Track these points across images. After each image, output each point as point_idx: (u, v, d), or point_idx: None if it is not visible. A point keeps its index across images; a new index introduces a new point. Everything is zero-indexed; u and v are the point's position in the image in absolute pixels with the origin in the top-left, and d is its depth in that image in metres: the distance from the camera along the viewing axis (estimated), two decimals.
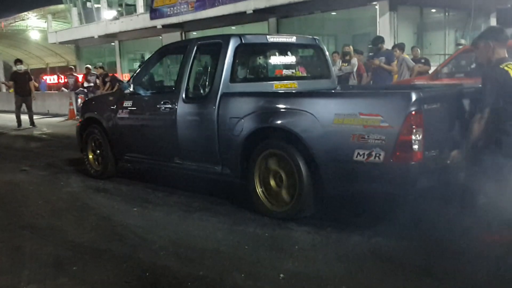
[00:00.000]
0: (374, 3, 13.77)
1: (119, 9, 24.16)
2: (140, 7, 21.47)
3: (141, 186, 6.44)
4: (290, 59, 6.07)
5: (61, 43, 27.40)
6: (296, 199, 4.63)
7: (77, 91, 18.29)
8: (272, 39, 6.05)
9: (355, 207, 4.91)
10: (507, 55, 4.09)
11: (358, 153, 4.13)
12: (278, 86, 5.82)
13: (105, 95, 8.16)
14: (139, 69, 6.84)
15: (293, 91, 5.69)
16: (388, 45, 11.51)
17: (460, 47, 11.54)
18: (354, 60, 11.22)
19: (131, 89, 6.41)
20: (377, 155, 4.03)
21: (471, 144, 4.05)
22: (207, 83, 5.63)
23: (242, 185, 5.27)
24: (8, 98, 26.53)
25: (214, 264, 3.77)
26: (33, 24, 32.36)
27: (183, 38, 20.61)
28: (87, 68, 20.10)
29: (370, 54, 10.35)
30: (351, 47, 11.49)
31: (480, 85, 4.12)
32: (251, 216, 4.89)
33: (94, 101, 7.78)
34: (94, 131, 7.01)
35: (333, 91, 6.08)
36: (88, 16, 25.96)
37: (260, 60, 6.19)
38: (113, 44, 24.88)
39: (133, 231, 4.63)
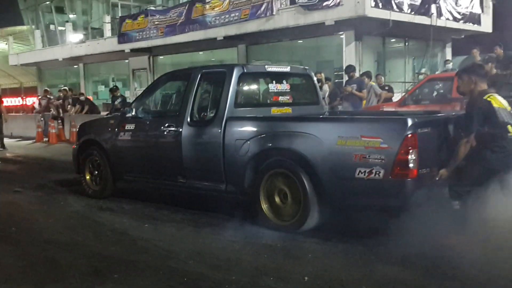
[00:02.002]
0: (341, 33, 14.65)
1: (84, 32, 24.27)
2: (108, 31, 21.69)
3: (142, 205, 6.79)
4: (285, 86, 6.62)
5: (22, 65, 27.09)
6: (301, 214, 5.10)
7: (45, 113, 18.27)
8: (269, 68, 6.63)
9: (354, 220, 5.46)
10: (487, 87, 4.80)
11: (360, 171, 4.66)
12: (275, 111, 6.38)
13: (105, 119, 8.53)
14: (141, 94, 7.28)
15: (300, 116, 6.22)
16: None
17: (422, 76, 12.51)
18: (326, 87, 11.98)
19: (133, 112, 6.79)
20: (377, 172, 4.58)
21: (457, 163, 4.71)
22: (212, 108, 6.14)
23: (245, 202, 5.75)
24: None
25: (241, 270, 4.22)
26: None
27: (151, 62, 20.98)
28: (46, 90, 20.18)
29: (347, 80, 11.11)
30: (322, 74, 12.24)
31: (463, 112, 4.82)
32: (259, 230, 5.34)
33: (93, 124, 8.01)
34: (93, 153, 7.32)
35: (332, 116, 6.78)
36: (51, 38, 25.91)
37: (260, 88, 6.75)
38: (76, 66, 24.90)
39: (155, 244, 5.02)
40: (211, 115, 6.04)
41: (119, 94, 15.97)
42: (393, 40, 16.46)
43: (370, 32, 14.59)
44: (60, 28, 25.50)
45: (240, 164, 5.56)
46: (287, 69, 6.88)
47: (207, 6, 16.64)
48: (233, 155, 5.62)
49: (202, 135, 5.99)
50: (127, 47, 19.95)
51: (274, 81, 6.52)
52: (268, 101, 6.56)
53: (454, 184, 4.74)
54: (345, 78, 13.18)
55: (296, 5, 14.34)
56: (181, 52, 19.35)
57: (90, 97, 21.26)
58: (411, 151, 4.49)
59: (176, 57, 20.60)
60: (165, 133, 6.28)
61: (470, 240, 4.19)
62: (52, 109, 18.15)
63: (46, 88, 21.39)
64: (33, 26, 26.90)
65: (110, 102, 17.35)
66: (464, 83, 4.85)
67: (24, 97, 25.62)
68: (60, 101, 18.44)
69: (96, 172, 7.34)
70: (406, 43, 16.56)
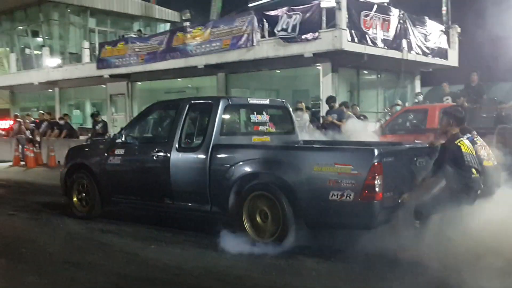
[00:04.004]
0: (318, 64, 15.35)
1: (61, 57, 24.38)
2: (86, 57, 21.91)
3: (142, 227, 7.10)
4: (265, 117, 7.27)
5: None
6: (280, 232, 5.65)
7: (19, 136, 18.19)
8: (251, 101, 7.37)
9: (342, 242, 5.84)
10: (458, 131, 5.50)
11: (333, 194, 5.31)
12: (255, 139, 7.02)
13: (94, 144, 9.01)
14: (131, 121, 7.77)
15: (280, 145, 6.84)
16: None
17: (398, 107, 13.27)
18: (306, 116, 12.57)
19: (123, 138, 7.27)
20: (348, 195, 5.23)
21: (419, 193, 5.39)
22: (199, 135, 6.76)
23: (228, 221, 6.16)
24: None
25: (255, 285, 4.61)
26: None
27: (129, 88, 21.24)
28: (16, 115, 20.22)
29: (328, 110, 11.72)
30: (303, 103, 12.85)
31: (425, 145, 5.71)
32: (260, 250, 5.71)
33: (82, 149, 8.50)
34: (81, 176, 7.69)
35: (307, 145, 7.33)
36: (25, 62, 25.87)
37: (242, 118, 7.40)
38: (50, 90, 24.90)
39: (165, 263, 5.36)
40: (198, 142, 6.61)
41: (100, 119, 16.20)
42: (366, 72, 17.27)
43: (346, 64, 15.35)
44: (36, 51, 25.51)
45: (225, 187, 6.11)
46: (266, 101, 7.71)
47: (189, 36, 17.11)
48: (218, 179, 6.19)
49: (190, 160, 6.51)
50: (106, 72, 20.17)
51: (255, 112, 7.16)
52: (250, 130, 7.20)
53: (418, 205, 5.36)
54: (323, 107, 13.87)
55: (276, 38, 14.97)
56: (161, 78, 19.71)
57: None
58: (377, 177, 5.16)
59: (155, 83, 20.96)
60: (155, 158, 6.76)
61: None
62: (25, 133, 18.11)
63: (16, 113, 21.43)
64: (8, 49, 26.80)
65: (90, 127, 17.59)
66: (443, 124, 5.59)
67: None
68: (34, 124, 18.51)
69: (84, 194, 7.70)
70: (379, 75, 17.40)
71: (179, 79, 20.20)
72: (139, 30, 23.87)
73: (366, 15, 14.18)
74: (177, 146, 6.60)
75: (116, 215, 7.75)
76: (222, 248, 5.79)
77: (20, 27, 26.50)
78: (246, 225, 5.91)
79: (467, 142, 5.41)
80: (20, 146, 17.71)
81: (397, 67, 15.64)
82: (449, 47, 17.39)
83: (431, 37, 16.56)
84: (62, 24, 25.32)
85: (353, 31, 13.82)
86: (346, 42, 13.79)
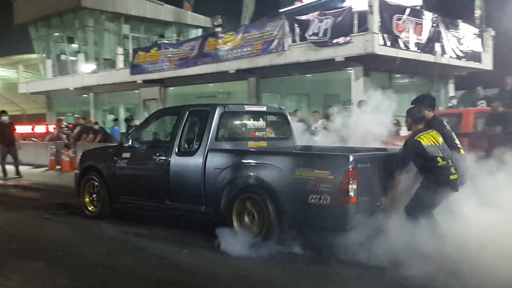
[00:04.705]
0: (349, 68, 15.26)
1: (95, 63, 24.90)
2: (120, 62, 22.33)
3: (175, 231, 7.19)
4: (261, 123, 7.58)
5: (32, 93, 27.65)
6: (265, 232, 5.95)
7: (56, 142, 18.67)
8: (248, 108, 7.74)
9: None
10: (422, 127, 5.68)
11: (312, 197, 5.59)
12: (252, 144, 7.30)
13: (104, 147, 9.52)
14: (137, 126, 8.29)
15: (266, 150, 7.23)
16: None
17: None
18: (320, 121, 12.60)
19: (130, 143, 7.74)
20: (325, 199, 5.50)
21: (394, 192, 5.62)
22: (196, 140, 7.04)
23: (221, 221, 6.36)
24: None
25: None
26: None
27: (162, 93, 21.54)
28: (59, 120, 20.67)
29: None
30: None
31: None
32: (290, 255, 5.73)
33: (93, 152, 9.05)
34: (92, 178, 8.18)
35: (294, 151, 7.52)
36: (61, 68, 26.52)
37: (239, 124, 7.63)
38: (85, 95, 25.44)
39: (198, 268, 5.43)
40: (196, 146, 6.95)
41: (134, 124, 16.44)
42: (399, 75, 17.07)
43: (377, 68, 15.20)
44: (71, 58, 26.13)
45: (218, 189, 6.48)
46: (263, 108, 8.08)
47: (220, 41, 17.26)
48: (212, 181, 6.58)
49: (187, 164, 6.89)
50: (139, 78, 20.52)
51: (251, 119, 7.53)
52: (246, 136, 7.45)
53: (407, 205, 5.57)
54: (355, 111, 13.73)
55: (307, 42, 14.95)
56: (192, 83, 19.91)
57: None
58: (351, 181, 5.42)
59: (186, 88, 21.19)
60: (157, 161, 7.18)
61: None
62: (63, 138, 18.58)
63: (60, 118, 21.88)
64: (44, 55, 27.51)
65: (124, 131, 17.91)
66: (406, 124, 5.91)
67: (34, 125, 25.97)
68: (67, 129, 18.97)
69: (95, 195, 8.20)
70: (411, 79, 17.18)
71: (211, 84, 20.36)
72: (161, 36, 24.19)
73: (399, 19, 14.05)
74: (176, 150, 7.02)
75: (149, 219, 7.87)
76: (253, 254, 5.80)
77: (56, 34, 27.17)
78: (235, 224, 6.25)
79: (431, 134, 5.59)
80: (56, 151, 18.17)
81: (430, 71, 15.40)
82: (483, 50, 17.05)
83: (465, 41, 16.27)
84: (97, 30, 25.86)
85: (385, 35, 13.72)
86: (378, 46, 13.68)
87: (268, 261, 5.58)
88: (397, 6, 14.39)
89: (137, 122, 19.94)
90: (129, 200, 7.79)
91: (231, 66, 17.05)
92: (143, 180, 7.46)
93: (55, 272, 5.38)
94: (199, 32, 28.04)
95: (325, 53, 14.68)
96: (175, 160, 6.96)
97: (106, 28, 26.27)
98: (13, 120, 16.66)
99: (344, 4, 14.47)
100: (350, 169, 5.42)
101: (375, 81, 15.87)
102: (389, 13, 13.86)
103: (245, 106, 7.76)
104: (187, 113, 7.21)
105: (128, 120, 16.27)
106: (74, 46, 26.59)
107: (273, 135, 7.69)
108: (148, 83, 20.69)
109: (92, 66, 23.97)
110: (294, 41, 15.39)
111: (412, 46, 14.46)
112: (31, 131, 27.57)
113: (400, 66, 14.69)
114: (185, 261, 5.66)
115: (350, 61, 14.55)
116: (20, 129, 29.61)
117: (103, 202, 8.01)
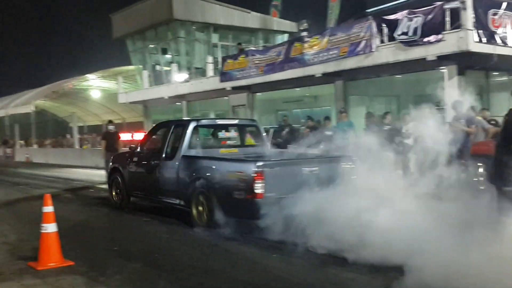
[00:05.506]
0: (442, 67, 14.65)
1: (188, 72, 25.88)
2: (210, 71, 23.04)
3: (265, 236, 7.25)
4: (233, 133, 9.67)
5: (131, 103, 29.30)
6: (211, 219, 7.59)
7: None
8: (219, 122, 10.24)
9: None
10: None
11: (236, 193, 7.26)
12: (223, 151, 9.17)
13: (124, 153, 11.56)
14: (145, 136, 10.78)
15: (215, 156, 8.63)
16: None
17: None
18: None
19: (138, 149, 9.92)
20: (242, 194, 7.13)
21: None
22: (175, 148, 8.86)
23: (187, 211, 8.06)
24: (81, 154, 28.47)
25: None
26: (94, 84, 34.81)
27: (250, 99, 21.94)
28: None
29: (455, 115, 11.15)
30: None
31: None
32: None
33: (117, 156, 11.33)
34: (116, 176, 10.45)
35: (228, 157, 8.90)
36: (156, 78, 27.84)
37: (210, 134, 9.88)
38: (179, 103, 26.49)
39: (287, 273, 5.53)
40: (175, 153, 8.77)
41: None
42: (497, 73, 16.13)
43: (473, 66, 14.47)
44: (165, 68, 27.35)
45: (186, 186, 8.25)
46: (235, 121, 10.60)
47: (306, 45, 17.28)
48: (183, 180, 8.39)
49: (169, 167, 8.80)
50: (228, 85, 21.05)
51: (223, 130, 9.64)
52: (217, 144, 9.47)
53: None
54: (449, 113, 13.18)
55: (396, 42, 14.56)
56: (279, 89, 20.09)
57: None
58: (258, 181, 6.95)
59: (273, 94, 21.43)
60: (152, 164, 9.25)
61: None
62: None
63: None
64: (141, 67, 29.03)
65: None
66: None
67: (133, 133, 27.53)
68: None
69: (118, 190, 10.46)
70: (511, 76, 16.17)
71: (297, 89, 20.42)
72: (239, 44, 24.58)
73: (495, 14, 13.26)
74: (164, 155, 9.01)
75: (238, 223, 8.01)
76: (342, 260, 5.79)
77: (151, 46, 28.52)
78: (193, 212, 8.04)
79: None
80: None
81: None
82: None
83: None
84: (188, 41, 26.83)
85: (480, 31, 13.00)
86: (472, 43, 13.00)
87: (365, 267, 5.52)
88: (493, 0, 13.62)
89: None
90: (138, 194, 10.04)
91: (317, 70, 16.98)
92: (144, 179, 9.55)
93: (152, 273, 5.70)
94: (285, 37, 28.22)
95: (415, 53, 14.18)
96: (163, 163, 8.93)
97: (196, 38, 27.18)
98: (117, 128, 17.85)
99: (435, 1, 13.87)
100: (256, 172, 6.98)
101: (471, 80, 15.11)
102: (483, 8, 13.14)
103: (216, 121, 10.29)
104: (173, 126, 9.31)
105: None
106: (168, 56, 27.76)
107: (245, 143, 9.73)
108: (236, 89, 21.16)
109: (184, 75, 24.95)
110: (382, 41, 15.03)
111: (510, 42, 13.62)
112: (130, 138, 29.27)
113: (498, 63, 13.87)
114: (275, 266, 5.77)
115: (443, 59, 13.95)
116: (122, 136, 31.70)
117: (123, 195, 10.25)
